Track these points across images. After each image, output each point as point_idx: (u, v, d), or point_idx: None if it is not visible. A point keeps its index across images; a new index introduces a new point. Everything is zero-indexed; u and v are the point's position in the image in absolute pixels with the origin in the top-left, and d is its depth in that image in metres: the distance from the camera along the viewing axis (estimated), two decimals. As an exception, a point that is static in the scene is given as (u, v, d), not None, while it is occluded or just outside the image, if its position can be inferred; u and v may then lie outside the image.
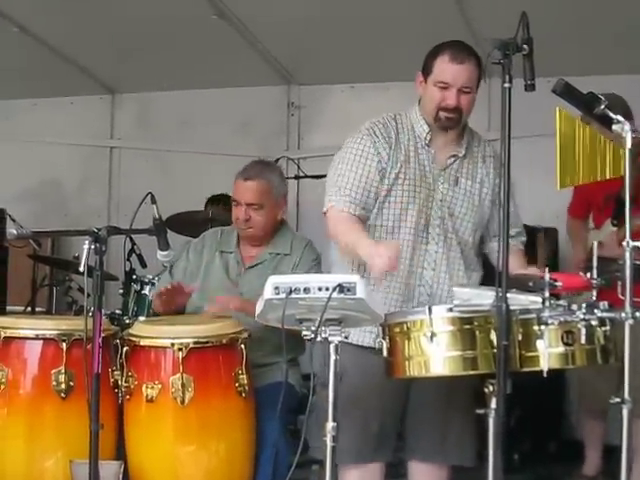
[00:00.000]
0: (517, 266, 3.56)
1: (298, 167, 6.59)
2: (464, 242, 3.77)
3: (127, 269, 5.65)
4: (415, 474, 3.89)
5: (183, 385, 3.65)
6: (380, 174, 3.69)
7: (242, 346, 3.80)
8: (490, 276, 3.54)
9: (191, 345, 3.69)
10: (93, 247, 3.27)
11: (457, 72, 3.61)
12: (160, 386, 3.68)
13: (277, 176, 4.49)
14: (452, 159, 3.77)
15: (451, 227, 3.74)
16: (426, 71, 3.69)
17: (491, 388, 3.15)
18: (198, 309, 4.27)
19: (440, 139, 3.76)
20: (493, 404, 3.17)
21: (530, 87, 2.95)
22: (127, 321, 5.34)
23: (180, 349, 3.65)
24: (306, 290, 2.92)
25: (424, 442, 3.79)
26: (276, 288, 2.94)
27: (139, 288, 5.58)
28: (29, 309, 6.29)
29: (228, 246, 4.46)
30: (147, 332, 3.83)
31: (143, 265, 5.62)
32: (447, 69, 3.63)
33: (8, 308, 5.98)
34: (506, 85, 2.90)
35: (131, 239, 5.64)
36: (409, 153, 3.73)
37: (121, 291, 5.66)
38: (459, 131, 3.79)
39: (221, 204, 6.11)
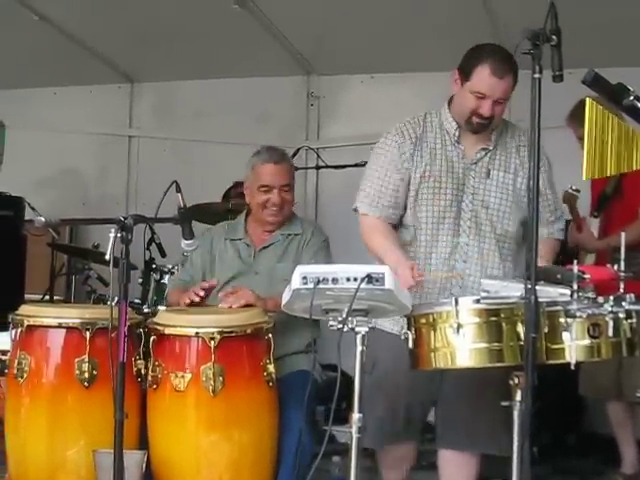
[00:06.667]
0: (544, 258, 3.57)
1: (318, 157, 6.56)
2: (505, 233, 3.80)
3: (147, 258, 5.66)
4: (445, 462, 3.91)
5: (215, 374, 3.61)
6: (407, 173, 3.76)
7: (269, 335, 3.79)
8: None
9: (221, 335, 3.64)
10: (119, 236, 3.24)
11: (496, 85, 3.61)
12: (190, 376, 3.64)
13: None
14: (482, 152, 3.80)
15: (486, 219, 3.77)
16: (464, 74, 3.67)
17: (516, 380, 3.15)
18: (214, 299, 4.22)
19: (470, 135, 3.78)
20: (518, 396, 3.16)
21: (558, 78, 2.90)
22: (146, 310, 5.34)
23: (212, 338, 3.62)
24: (334, 280, 2.91)
25: (453, 430, 3.81)
26: (304, 278, 2.93)
27: (159, 277, 5.60)
28: (47, 297, 6.31)
29: (235, 234, 4.49)
30: (174, 321, 3.78)
31: (163, 254, 5.63)
32: (486, 81, 3.61)
33: (26, 296, 5.99)
34: (536, 76, 2.84)
35: (151, 228, 5.63)
36: (435, 151, 3.78)
37: (140, 280, 5.67)
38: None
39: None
